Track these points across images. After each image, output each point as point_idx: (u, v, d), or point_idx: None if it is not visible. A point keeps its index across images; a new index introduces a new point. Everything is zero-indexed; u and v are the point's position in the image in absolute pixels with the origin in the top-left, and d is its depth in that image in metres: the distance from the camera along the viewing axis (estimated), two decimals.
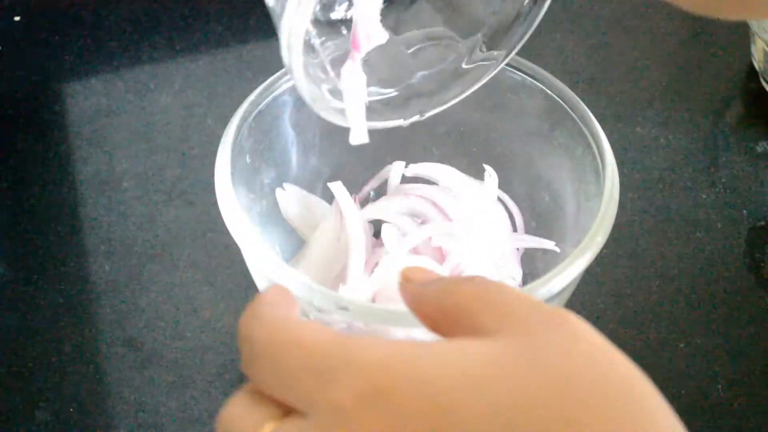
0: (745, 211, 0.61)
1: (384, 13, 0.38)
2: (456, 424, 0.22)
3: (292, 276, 0.39)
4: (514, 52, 0.41)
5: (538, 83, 0.50)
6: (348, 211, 0.49)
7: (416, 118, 0.41)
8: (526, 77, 0.51)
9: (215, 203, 0.44)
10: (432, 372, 0.23)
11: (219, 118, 0.64)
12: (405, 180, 0.55)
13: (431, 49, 0.41)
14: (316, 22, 0.38)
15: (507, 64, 0.50)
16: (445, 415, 0.22)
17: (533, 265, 0.53)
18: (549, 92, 0.50)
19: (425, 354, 0.24)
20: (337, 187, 0.50)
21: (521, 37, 0.41)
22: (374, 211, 0.53)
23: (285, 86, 0.48)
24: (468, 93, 0.42)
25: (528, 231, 0.55)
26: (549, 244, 0.52)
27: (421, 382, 0.23)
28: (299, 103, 0.42)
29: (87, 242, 0.59)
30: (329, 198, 0.53)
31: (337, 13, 0.39)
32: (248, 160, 0.48)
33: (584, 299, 0.55)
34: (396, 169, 0.55)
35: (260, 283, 0.46)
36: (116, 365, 0.53)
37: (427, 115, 0.41)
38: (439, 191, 0.53)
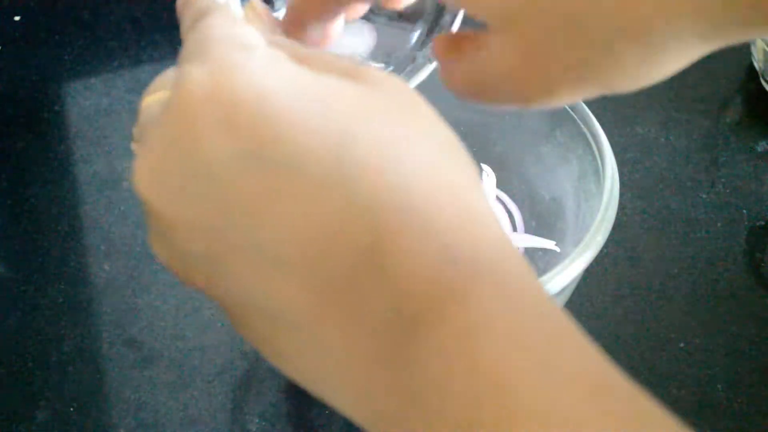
0: (745, 211, 0.61)
1: None
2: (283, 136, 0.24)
3: None
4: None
5: None
6: None
7: None
8: None
9: None
10: (281, 86, 0.25)
11: None
12: None
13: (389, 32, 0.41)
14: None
15: None
16: (275, 120, 0.24)
17: (533, 265, 0.53)
18: None
19: (284, 71, 0.25)
20: None
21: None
22: None
23: None
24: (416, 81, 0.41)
25: (528, 231, 0.55)
26: (549, 244, 0.52)
27: (264, 91, 0.24)
28: None
29: (87, 242, 0.59)
30: None
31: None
32: None
33: (584, 299, 0.55)
34: None
35: None
36: (116, 365, 0.53)
37: None
38: None
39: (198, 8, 0.31)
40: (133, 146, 0.29)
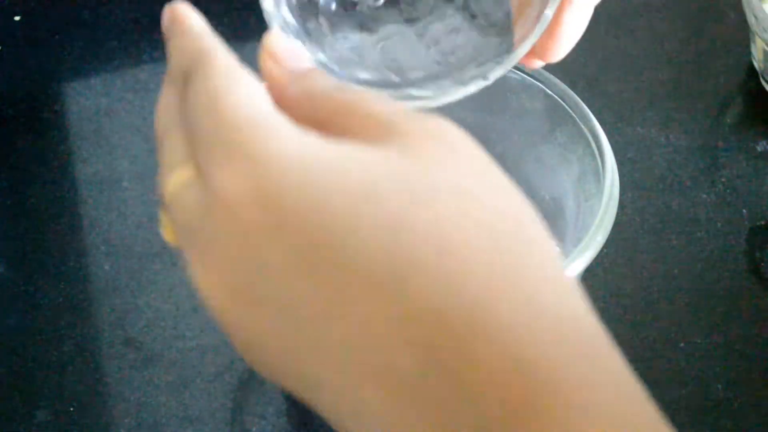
0: (745, 211, 0.61)
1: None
2: (337, 230, 0.24)
3: None
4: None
5: (538, 83, 0.50)
6: None
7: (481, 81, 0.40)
8: (526, 77, 0.51)
9: None
10: (320, 177, 0.24)
11: None
12: None
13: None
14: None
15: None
16: (324, 220, 0.24)
17: None
18: (549, 92, 0.50)
19: (318, 157, 0.25)
20: None
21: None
22: None
23: None
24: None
25: None
26: None
27: (305, 187, 0.24)
28: None
29: (87, 242, 0.59)
30: None
31: None
32: None
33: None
34: None
35: None
36: (116, 365, 0.53)
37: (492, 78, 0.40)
38: None
39: (191, 48, 0.30)
40: (164, 234, 0.29)
